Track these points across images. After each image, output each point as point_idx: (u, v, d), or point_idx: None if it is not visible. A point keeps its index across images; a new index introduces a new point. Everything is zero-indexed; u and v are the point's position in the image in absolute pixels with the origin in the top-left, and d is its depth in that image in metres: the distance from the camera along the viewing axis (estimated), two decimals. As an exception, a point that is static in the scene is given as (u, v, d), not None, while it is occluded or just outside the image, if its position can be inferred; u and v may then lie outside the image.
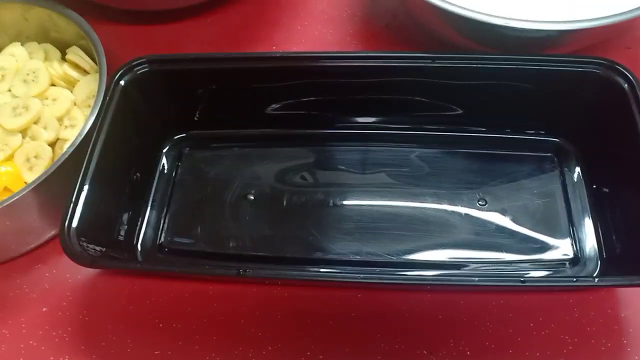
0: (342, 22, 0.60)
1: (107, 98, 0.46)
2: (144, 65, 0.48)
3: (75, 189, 0.42)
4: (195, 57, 0.49)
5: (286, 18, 0.60)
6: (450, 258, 0.44)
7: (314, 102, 0.51)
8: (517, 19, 0.46)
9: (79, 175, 0.42)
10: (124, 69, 0.47)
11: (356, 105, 0.51)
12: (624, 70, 0.44)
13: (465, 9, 0.46)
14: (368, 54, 0.48)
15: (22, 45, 0.54)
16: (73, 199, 0.41)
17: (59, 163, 0.43)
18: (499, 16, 0.46)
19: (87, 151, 0.43)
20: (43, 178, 0.42)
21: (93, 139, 0.44)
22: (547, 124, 0.49)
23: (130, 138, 0.48)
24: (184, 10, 0.61)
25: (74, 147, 0.44)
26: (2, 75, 0.52)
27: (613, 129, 0.45)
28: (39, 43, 0.55)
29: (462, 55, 0.47)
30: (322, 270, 0.43)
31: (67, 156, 0.43)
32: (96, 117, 0.45)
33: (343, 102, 0.50)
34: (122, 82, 0.47)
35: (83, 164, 0.43)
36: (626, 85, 0.44)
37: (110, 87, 0.46)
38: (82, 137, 0.44)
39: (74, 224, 0.41)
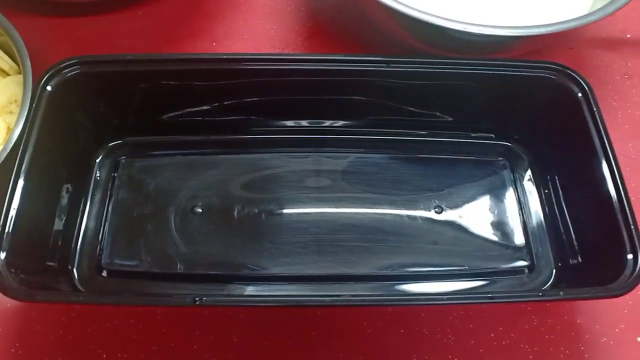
0: (286, 16, 0.57)
1: (34, 105, 0.41)
2: (74, 67, 0.43)
3: (2, 213, 0.37)
4: (133, 59, 0.44)
5: (226, 11, 0.57)
6: (411, 270, 0.43)
7: (261, 105, 0.48)
8: (472, 23, 0.45)
9: (5, 197, 0.38)
10: (52, 71, 0.42)
11: (306, 108, 0.48)
12: (577, 77, 0.44)
13: (417, 10, 0.45)
14: (321, 57, 0.45)
15: None
16: (0, 224, 0.37)
17: (-18, 183, 0.38)
18: (453, 20, 0.44)
19: (13, 168, 0.39)
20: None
21: (19, 154, 0.39)
22: (499, 128, 0.49)
23: (60, 148, 0.43)
24: (112, 1, 0.55)
25: (-2, 164, 0.39)
26: None
27: (565, 135, 0.46)
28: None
29: (417, 58, 0.45)
30: (282, 293, 0.41)
31: (-9, 175, 0.38)
32: (22, 128, 0.40)
33: (293, 104, 0.48)
34: (49, 87, 0.42)
35: (9, 183, 0.38)
36: (579, 92, 0.44)
37: (37, 92, 0.42)
38: (8, 151, 0.39)
39: (3, 253, 0.36)
